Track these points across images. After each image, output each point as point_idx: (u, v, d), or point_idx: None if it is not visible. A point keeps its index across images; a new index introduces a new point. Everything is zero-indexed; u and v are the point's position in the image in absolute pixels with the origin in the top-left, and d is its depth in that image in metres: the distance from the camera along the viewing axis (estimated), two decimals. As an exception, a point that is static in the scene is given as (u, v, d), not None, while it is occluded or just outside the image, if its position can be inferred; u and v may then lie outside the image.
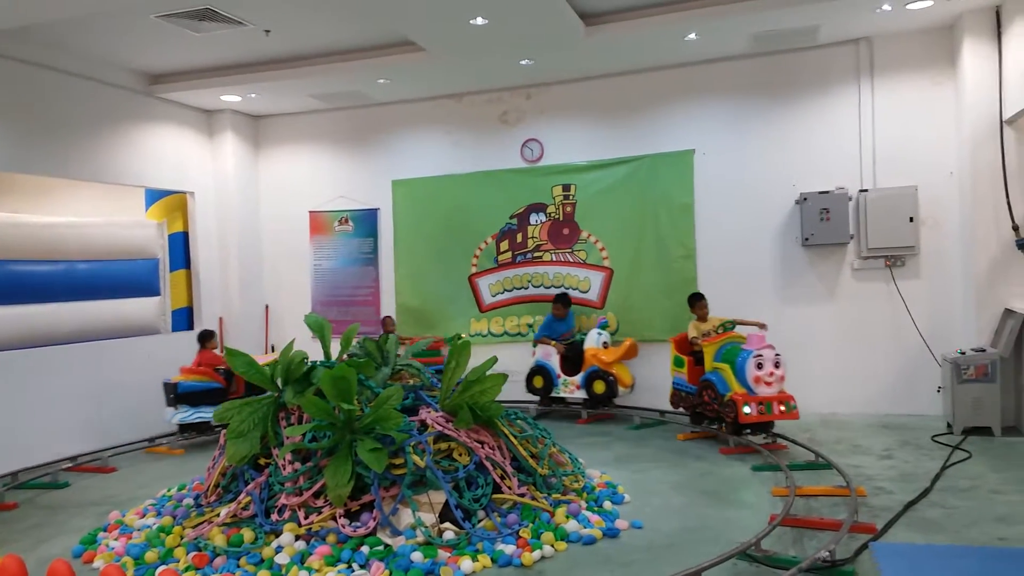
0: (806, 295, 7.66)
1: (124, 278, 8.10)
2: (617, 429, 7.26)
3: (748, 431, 6.22)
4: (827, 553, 3.65)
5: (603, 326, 7.86)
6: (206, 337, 7.63)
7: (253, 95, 8.55)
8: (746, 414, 5.94)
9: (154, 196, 8.82)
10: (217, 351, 7.84)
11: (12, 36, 6.59)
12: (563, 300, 8.02)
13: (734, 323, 6.74)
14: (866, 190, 7.35)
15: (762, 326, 6.72)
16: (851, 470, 5.33)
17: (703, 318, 7.02)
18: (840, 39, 7.43)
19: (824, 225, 7.37)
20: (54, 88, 7.25)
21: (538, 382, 7.88)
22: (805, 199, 7.44)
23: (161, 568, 3.98)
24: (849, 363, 7.49)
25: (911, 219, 7.20)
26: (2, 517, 5.24)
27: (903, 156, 7.31)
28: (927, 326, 7.22)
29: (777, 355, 6.06)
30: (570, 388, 7.74)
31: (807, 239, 7.43)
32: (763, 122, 7.80)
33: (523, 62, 7.68)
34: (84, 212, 8.74)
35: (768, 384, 5.99)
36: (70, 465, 6.53)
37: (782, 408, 5.99)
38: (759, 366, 5.99)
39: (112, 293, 7.93)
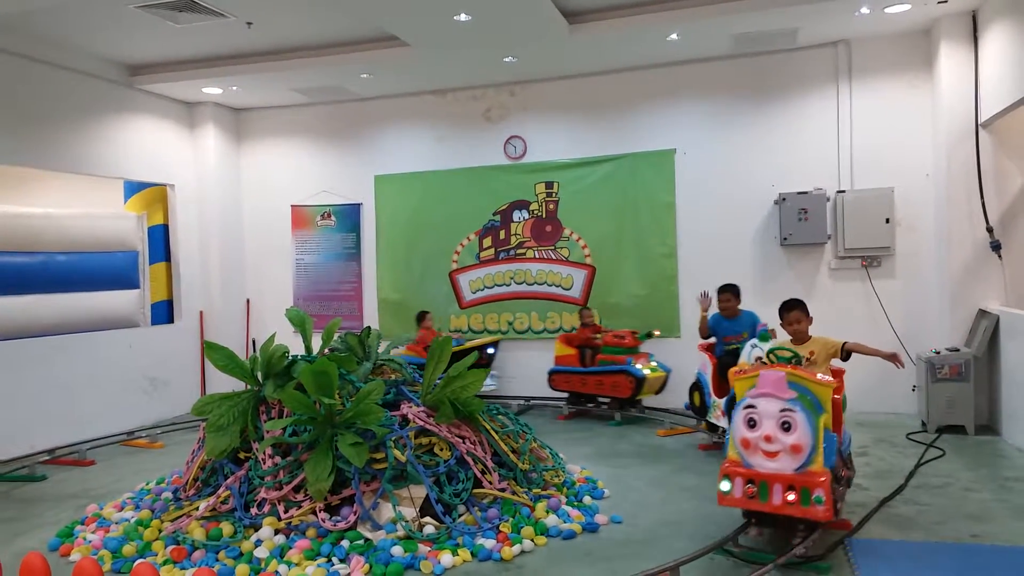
0: (784, 293, 7.54)
1: (103, 270, 8.00)
2: (598, 425, 7.31)
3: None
4: (803, 549, 3.70)
5: (763, 336, 5.72)
6: (421, 317, 8.14)
7: (235, 88, 8.48)
8: (723, 493, 3.80)
9: (133, 188, 8.72)
10: (432, 328, 8.12)
11: (-12, 24, 6.49)
12: (733, 291, 6.31)
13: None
14: (843, 191, 7.45)
15: (891, 358, 4.42)
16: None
17: (799, 339, 4.68)
18: (819, 41, 7.51)
19: (802, 225, 7.46)
20: (32, 78, 7.15)
21: (696, 399, 6.42)
22: (784, 199, 7.52)
23: (139, 561, 3.94)
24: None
25: (887, 220, 7.31)
26: (-24, 511, 5.18)
27: (880, 158, 7.42)
28: (902, 325, 7.34)
29: (788, 411, 3.68)
30: (716, 414, 6.05)
31: (786, 239, 7.52)
32: (743, 123, 7.88)
33: (507, 59, 7.69)
34: (62, 204, 8.62)
35: (767, 454, 3.70)
36: (48, 458, 6.46)
37: (791, 498, 3.59)
38: (750, 423, 3.77)
39: (91, 285, 7.84)
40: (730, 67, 7.88)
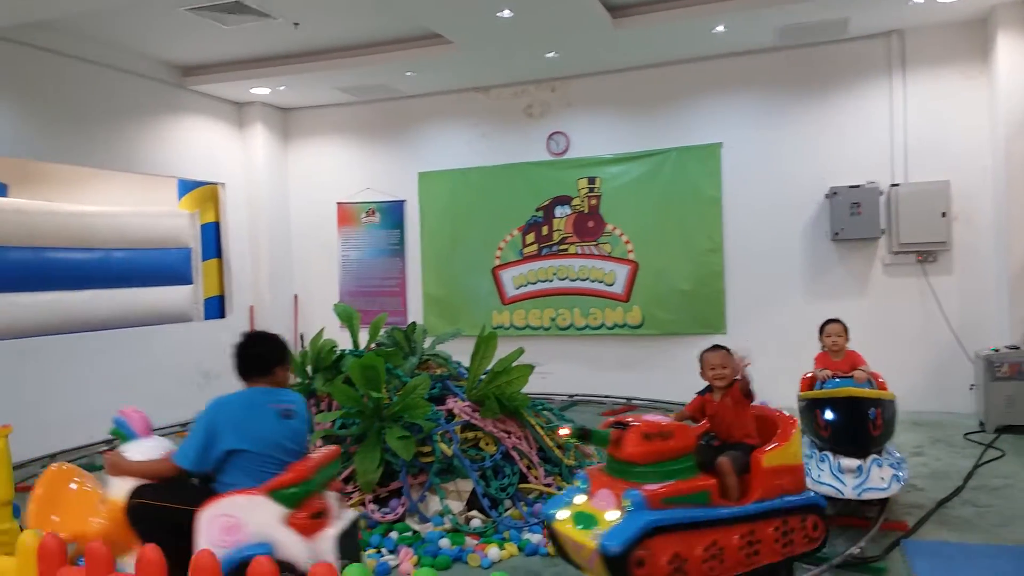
0: (836, 290, 7.59)
1: (158, 267, 8.25)
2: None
3: None
4: (858, 550, 3.63)
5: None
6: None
7: (282, 88, 8.64)
8: None
9: (186, 187, 8.96)
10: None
11: (48, 28, 6.73)
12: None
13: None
14: (897, 184, 7.26)
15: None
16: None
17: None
18: (870, 32, 7.32)
19: (855, 219, 7.30)
20: (89, 80, 7.39)
21: None
22: (835, 193, 7.36)
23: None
24: (879, 359, 7.30)
25: (943, 214, 7.10)
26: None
27: (935, 150, 7.21)
28: (959, 323, 7.12)
29: None
30: None
31: (837, 233, 7.36)
32: (792, 116, 7.73)
33: (549, 55, 7.68)
34: (119, 202, 8.92)
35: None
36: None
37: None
38: None
39: (146, 281, 8.08)
40: (778, 59, 7.74)
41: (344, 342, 5.53)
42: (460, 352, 5.82)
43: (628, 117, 8.34)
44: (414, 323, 5.95)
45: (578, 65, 8.14)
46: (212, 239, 8.99)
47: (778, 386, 7.19)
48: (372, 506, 4.39)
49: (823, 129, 7.62)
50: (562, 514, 3.18)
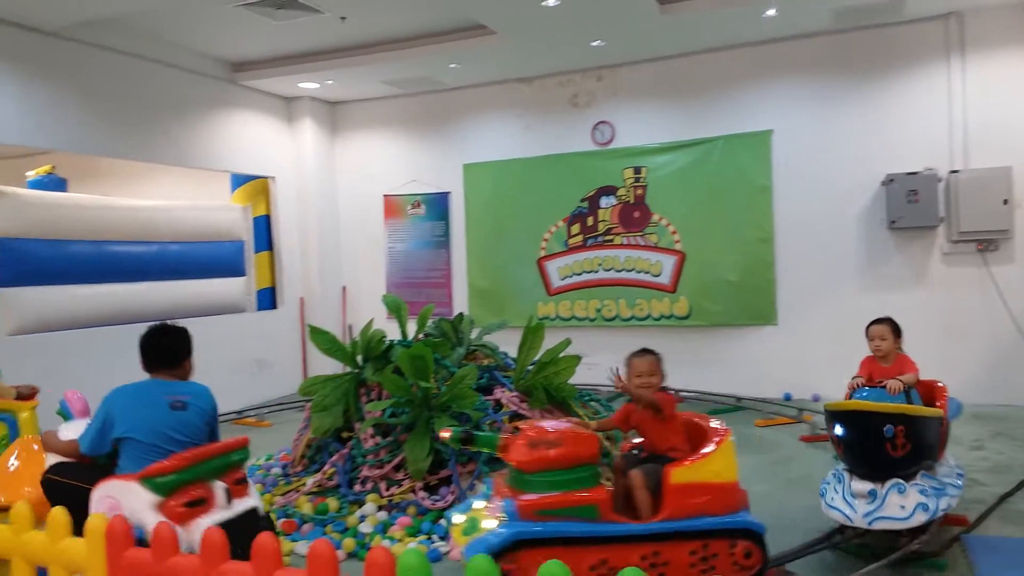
0: (892, 281, 7.38)
1: (212, 259, 8.48)
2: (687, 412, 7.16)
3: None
4: (918, 545, 3.55)
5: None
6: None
7: (330, 82, 8.76)
8: None
9: (239, 181, 9.17)
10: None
11: (103, 26, 6.92)
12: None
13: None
14: (957, 171, 7.01)
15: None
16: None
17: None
18: (927, 14, 7.07)
19: (912, 207, 7.07)
20: (143, 76, 7.59)
21: None
22: (892, 180, 7.15)
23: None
24: (938, 351, 7.16)
25: (1005, 201, 6.84)
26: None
27: (996, 135, 6.94)
28: (1021, 313, 6.86)
29: None
30: None
31: (894, 222, 7.15)
32: (847, 101, 7.52)
33: (594, 43, 7.61)
34: (174, 196, 9.17)
35: None
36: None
37: None
38: None
39: (201, 273, 8.31)
40: (831, 43, 7.53)
41: (391, 333, 5.60)
42: (506, 343, 5.84)
43: (675, 105, 8.23)
44: (461, 314, 5.99)
45: (624, 53, 8.06)
46: (264, 232, 9.19)
47: (829, 383, 7.08)
48: (422, 493, 4.45)
49: (879, 115, 7.40)
50: (458, 518, 3.11)
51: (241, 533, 2.57)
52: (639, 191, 8.38)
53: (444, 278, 9.44)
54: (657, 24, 6.99)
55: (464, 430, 3.26)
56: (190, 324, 8.00)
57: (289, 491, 4.72)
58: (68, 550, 2.43)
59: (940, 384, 4.12)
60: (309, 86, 8.92)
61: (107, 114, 7.21)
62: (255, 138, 8.94)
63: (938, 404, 3.91)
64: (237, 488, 3.21)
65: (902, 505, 3.48)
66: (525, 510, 2.91)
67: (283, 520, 4.33)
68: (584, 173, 8.61)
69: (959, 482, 3.85)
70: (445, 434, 3.32)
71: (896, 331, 4.17)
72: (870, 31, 7.36)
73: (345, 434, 4.97)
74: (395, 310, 5.73)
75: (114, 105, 7.27)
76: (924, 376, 4.19)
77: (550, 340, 5.22)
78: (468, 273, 9.26)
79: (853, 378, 4.14)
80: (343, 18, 6.98)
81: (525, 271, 8.90)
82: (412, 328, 5.69)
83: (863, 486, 3.54)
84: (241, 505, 3.17)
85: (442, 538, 4.07)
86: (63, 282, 6.89)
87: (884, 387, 3.94)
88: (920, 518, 3.46)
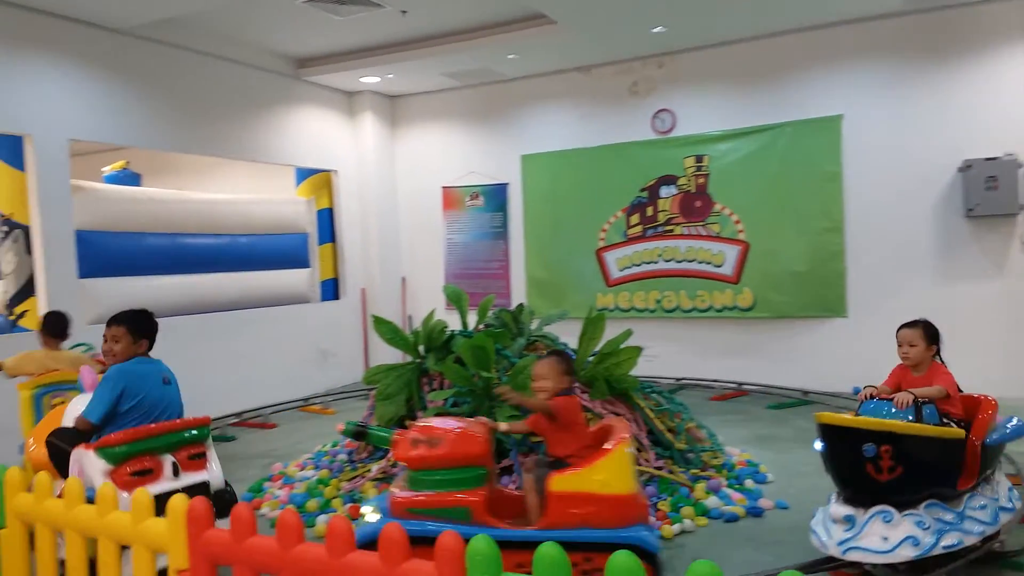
0: (969, 271, 7.06)
1: (279, 251, 8.72)
2: (753, 408, 7.04)
3: None
4: (999, 544, 3.39)
5: None
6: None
7: (390, 76, 8.87)
8: None
9: (303, 174, 9.39)
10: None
11: (174, 25, 7.15)
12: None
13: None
14: (1042, 155, 6.65)
15: None
16: (1021, 458, 4.90)
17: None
18: (1011, -10, 6.72)
19: (991, 194, 6.74)
20: (212, 73, 7.83)
21: None
22: (969, 166, 6.82)
23: (330, 515, 4.25)
24: (1019, 343, 6.86)
25: (1098, 186, 6.45)
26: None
27: (1089, 116, 6.54)
28: (1115, 306, 6.48)
29: None
30: None
31: (971, 210, 6.83)
32: (921, 84, 7.20)
33: (655, 29, 7.48)
34: (241, 189, 9.45)
35: None
36: (236, 421, 7.16)
37: None
38: None
39: (268, 264, 8.56)
40: (902, 25, 7.22)
41: (450, 323, 5.64)
42: (565, 334, 5.82)
43: (739, 91, 8.03)
44: (521, 304, 5.99)
45: (686, 39, 7.90)
46: (327, 224, 9.40)
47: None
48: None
49: (955, 98, 7.06)
50: (365, 509, 3.18)
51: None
52: (701, 180, 8.22)
53: (502, 269, 9.47)
54: (721, 7, 6.82)
55: (357, 424, 3.30)
56: (259, 314, 8.34)
57: (355, 477, 4.82)
58: (151, 530, 2.53)
59: (990, 399, 3.54)
60: (370, 80, 9.04)
61: (178, 111, 7.46)
62: (318, 132, 9.13)
63: (978, 420, 3.39)
64: (190, 463, 3.49)
65: (885, 536, 3.08)
66: (396, 507, 2.96)
67: (350, 505, 4.43)
68: (644, 162, 8.49)
69: (996, 517, 3.30)
70: (339, 427, 3.45)
71: (930, 336, 3.60)
72: (945, 12, 7.02)
73: (408, 422, 5.02)
74: (456, 301, 5.78)
75: (185, 102, 7.52)
76: (997, 378, 3.78)
77: (609, 332, 5.17)
78: (526, 264, 9.26)
79: (866, 387, 3.63)
80: (404, 12, 7.04)
81: (583, 262, 8.85)
82: (471, 319, 5.73)
83: (841, 510, 3.21)
84: (190, 479, 3.43)
85: (504, 527, 4.10)
86: (139, 273, 7.19)
87: (892, 400, 3.35)
88: (906, 553, 3.05)
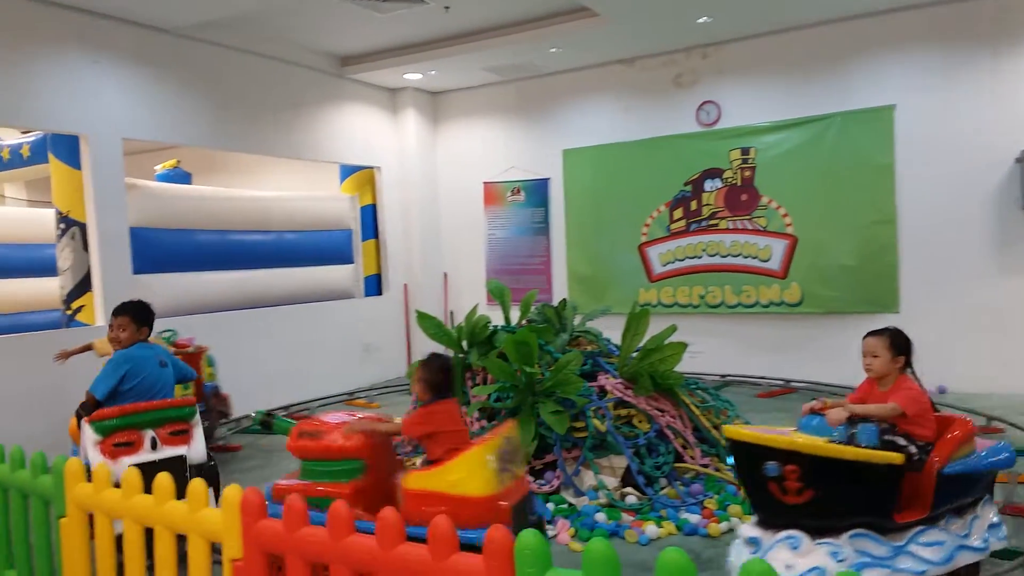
0: (1028, 264, 6.80)
1: (324, 247, 8.85)
2: (801, 405, 6.87)
3: None
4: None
5: None
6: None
7: (432, 72, 8.90)
8: None
9: (347, 171, 9.50)
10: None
11: (222, 25, 7.27)
12: None
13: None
14: (1110, 143, 6.36)
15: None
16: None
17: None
18: (1079, -31, 6.42)
19: (1054, 185, 6.47)
20: (259, 73, 7.96)
21: None
22: (1030, 156, 6.57)
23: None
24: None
25: None
26: (230, 457, 5.97)
27: None
28: None
29: None
30: None
31: (1032, 201, 6.57)
32: (977, 73, 6.95)
33: (700, 20, 7.36)
34: (287, 187, 9.61)
35: None
36: (284, 413, 7.29)
37: None
38: None
39: (314, 261, 8.70)
40: (956, 12, 6.97)
41: (492, 318, 5.64)
42: (608, 330, 5.78)
43: (786, 82, 7.85)
44: (564, 300, 5.97)
45: (732, 29, 7.76)
46: (370, 220, 9.50)
47: (957, 373, 6.61)
48: (528, 478, 4.48)
49: (1012, 87, 6.80)
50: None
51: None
52: (747, 173, 8.07)
53: (543, 264, 9.45)
54: (768, -3, 6.68)
55: (265, 414, 3.51)
56: (304, 309, 8.48)
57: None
58: (206, 520, 2.59)
59: (966, 420, 3.11)
60: (413, 77, 9.10)
61: (226, 110, 7.61)
62: (362, 129, 9.22)
63: (938, 444, 3.00)
64: (171, 438, 3.89)
65: (789, 564, 2.75)
66: (276, 493, 3.26)
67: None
68: (687, 156, 8.37)
69: (951, 557, 2.86)
70: (253, 414, 3.56)
71: (897, 347, 3.21)
72: (1006, -6, 6.76)
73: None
74: (499, 296, 5.79)
75: (233, 101, 7.67)
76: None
77: (652, 327, 5.12)
78: (568, 259, 9.22)
79: (815, 398, 3.35)
80: (447, 8, 7.06)
81: (626, 257, 8.77)
82: (514, 314, 5.73)
83: (748, 530, 2.96)
84: (167, 452, 3.83)
85: (548, 522, 4.09)
86: (190, 269, 7.37)
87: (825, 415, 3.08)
88: None
